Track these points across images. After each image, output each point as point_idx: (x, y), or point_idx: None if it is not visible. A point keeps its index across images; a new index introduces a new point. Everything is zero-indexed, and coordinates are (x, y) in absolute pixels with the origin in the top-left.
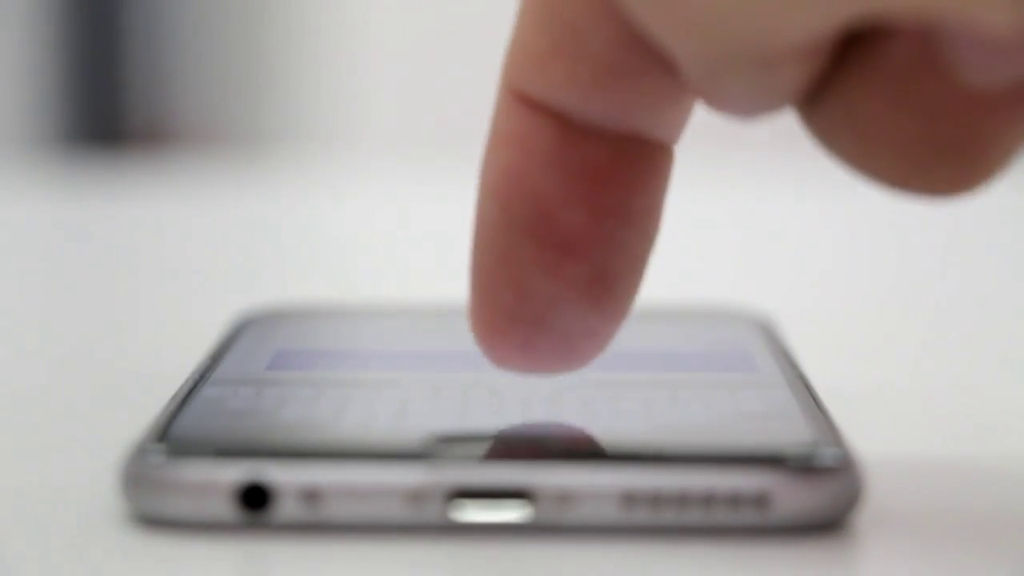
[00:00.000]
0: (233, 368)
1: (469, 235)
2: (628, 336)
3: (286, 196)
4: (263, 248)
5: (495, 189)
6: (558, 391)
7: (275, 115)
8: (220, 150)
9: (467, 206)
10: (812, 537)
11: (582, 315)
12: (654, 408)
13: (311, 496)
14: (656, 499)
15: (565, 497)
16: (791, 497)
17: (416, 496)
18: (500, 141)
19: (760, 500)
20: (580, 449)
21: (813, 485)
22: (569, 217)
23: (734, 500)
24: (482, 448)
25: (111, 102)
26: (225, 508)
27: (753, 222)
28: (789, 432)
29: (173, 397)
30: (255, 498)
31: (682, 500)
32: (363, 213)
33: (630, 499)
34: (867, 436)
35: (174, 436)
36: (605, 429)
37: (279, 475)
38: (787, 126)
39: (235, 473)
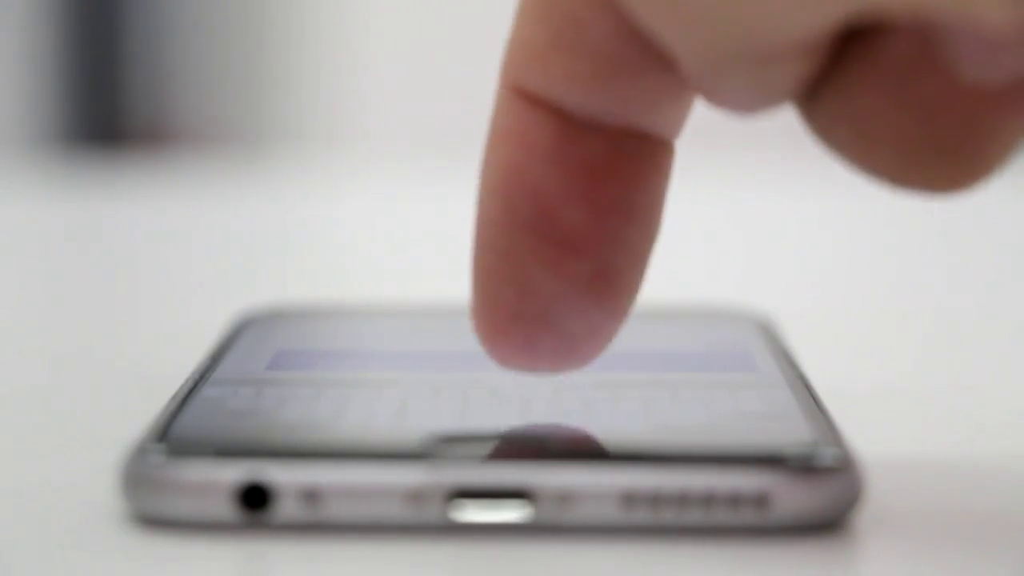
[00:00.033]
0: (233, 368)
1: (469, 235)
2: (628, 336)
3: (286, 196)
4: (263, 248)
5: (496, 186)
6: (558, 391)
7: (275, 115)
8: (220, 150)
9: (467, 206)
10: (812, 537)
11: (584, 313)
12: (654, 408)
13: (311, 496)
14: (656, 499)
15: (565, 497)
16: (791, 497)
17: (416, 496)
18: (500, 137)
19: (760, 500)
20: (580, 449)
21: (813, 485)
22: (570, 213)
23: (734, 500)
24: (482, 448)
25: (111, 102)
26: (225, 508)
27: (753, 222)
28: (789, 432)
29: (173, 397)
30: (255, 498)
31: (682, 500)
32: (363, 213)
33: (630, 499)
34: (867, 436)
35: (174, 436)
36: (605, 429)
37: (279, 475)
38: (787, 126)
39: (235, 473)
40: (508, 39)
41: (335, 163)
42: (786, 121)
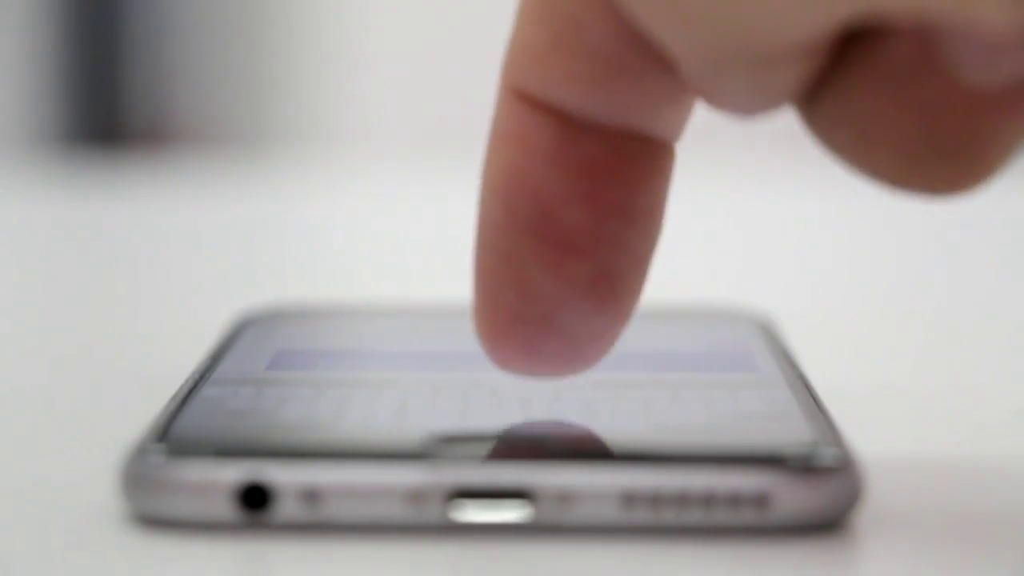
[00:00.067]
0: (233, 368)
1: (469, 235)
2: (628, 336)
3: (286, 196)
4: (263, 248)
5: (496, 188)
6: (558, 391)
7: (275, 115)
8: (220, 150)
9: (467, 206)
10: (812, 537)
11: (586, 316)
12: (654, 408)
13: (311, 496)
14: (656, 499)
15: (565, 497)
16: (791, 497)
17: (416, 496)
18: (501, 139)
19: (760, 500)
20: (580, 449)
21: (813, 485)
22: (571, 216)
23: (734, 500)
24: (482, 448)
25: (111, 102)
26: (225, 508)
27: (753, 222)
28: (789, 432)
29: (173, 397)
30: (255, 498)
31: (682, 500)
32: (363, 213)
33: (630, 499)
34: (867, 436)
35: (174, 436)
36: (605, 429)
37: (279, 475)
38: (787, 126)
39: (235, 473)
40: (508, 41)
41: (335, 163)
42: (786, 121)
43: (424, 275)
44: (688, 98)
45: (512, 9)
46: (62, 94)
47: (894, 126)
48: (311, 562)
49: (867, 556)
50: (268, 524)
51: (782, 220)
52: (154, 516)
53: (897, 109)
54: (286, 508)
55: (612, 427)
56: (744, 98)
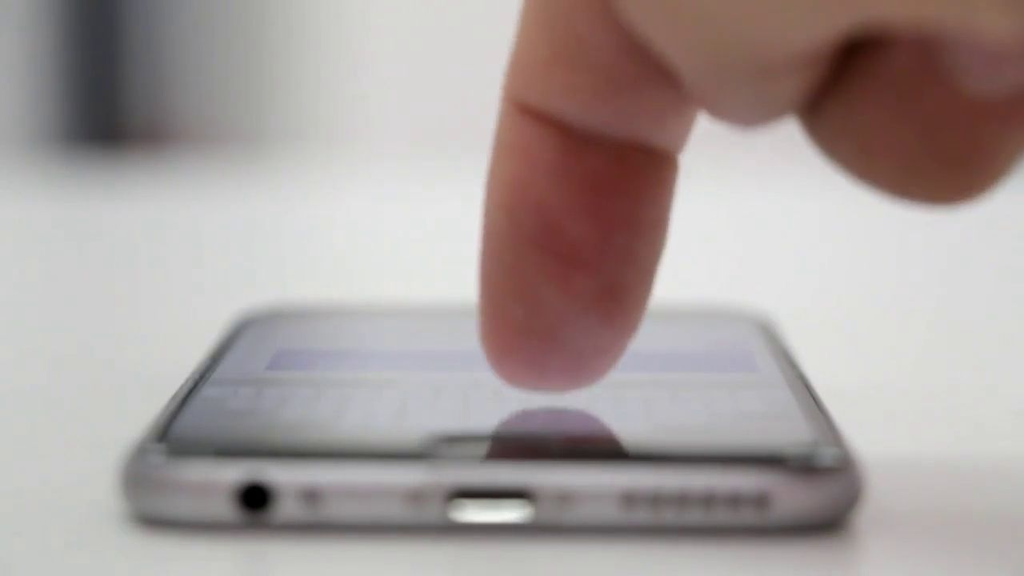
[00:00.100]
0: (233, 368)
1: (469, 235)
2: None
3: (286, 196)
4: (263, 248)
5: (501, 200)
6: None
7: (275, 115)
8: (220, 150)
9: (467, 206)
10: (812, 537)
11: (592, 329)
12: (654, 408)
13: (311, 496)
14: (656, 499)
15: (565, 497)
16: (791, 497)
17: (416, 496)
18: (504, 152)
19: (760, 500)
20: (580, 449)
21: (813, 485)
22: (575, 228)
23: (734, 500)
24: (482, 448)
25: (111, 102)
26: (225, 508)
27: (753, 222)
28: (789, 432)
29: (173, 397)
30: (255, 498)
31: (682, 500)
32: (363, 213)
33: (630, 499)
34: (867, 436)
35: (174, 436)
36: (605, 429)
37: (279, 475)
38: (787, 126)
39: (235, 473)
40: (510, 53)
41: (335, 163)
42: (786, 123)
43: (424, 275)
44: (691, 110)
45: (512, 9)
46: (62, 94)
47: (896, 136)
48: (311, 562)
49: (867, 556)
50: (268, 524)
51: (782, 220)
52: (154, 516)
53: (899, 119)
54: (286, 508)
55: (612, 427)
56: (746, 109)
